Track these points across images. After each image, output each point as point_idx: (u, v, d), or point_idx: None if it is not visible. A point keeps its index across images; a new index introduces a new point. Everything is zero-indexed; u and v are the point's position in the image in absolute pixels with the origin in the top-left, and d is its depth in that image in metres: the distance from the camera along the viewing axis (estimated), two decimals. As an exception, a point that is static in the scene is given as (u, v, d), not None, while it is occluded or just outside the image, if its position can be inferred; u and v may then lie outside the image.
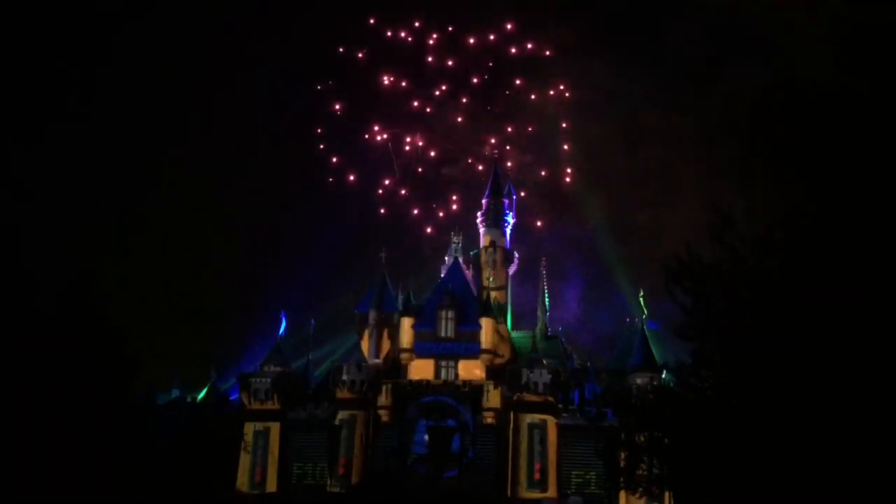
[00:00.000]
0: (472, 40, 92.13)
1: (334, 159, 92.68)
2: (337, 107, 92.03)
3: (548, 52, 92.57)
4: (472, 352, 62.90)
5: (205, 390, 72.38)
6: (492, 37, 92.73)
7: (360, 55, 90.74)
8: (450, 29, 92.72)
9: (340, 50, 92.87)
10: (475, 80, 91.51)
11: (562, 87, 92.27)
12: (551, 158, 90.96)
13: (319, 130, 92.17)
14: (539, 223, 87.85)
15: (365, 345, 68.41)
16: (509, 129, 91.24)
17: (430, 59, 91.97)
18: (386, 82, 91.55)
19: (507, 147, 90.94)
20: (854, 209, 17.07)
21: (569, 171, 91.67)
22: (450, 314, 63.84)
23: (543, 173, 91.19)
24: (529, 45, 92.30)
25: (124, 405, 40.25)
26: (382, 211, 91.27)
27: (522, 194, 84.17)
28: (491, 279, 69.60)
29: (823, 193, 17.98)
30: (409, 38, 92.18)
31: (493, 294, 67.06)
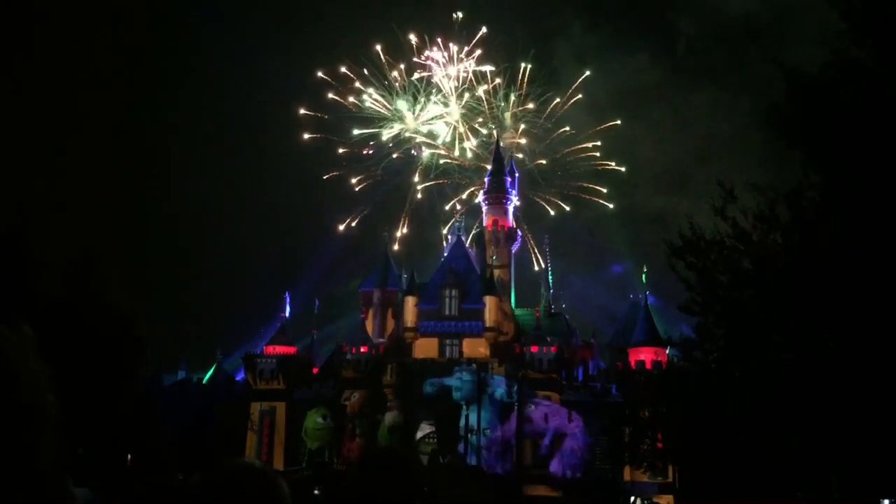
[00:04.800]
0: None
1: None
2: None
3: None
4: (477, 330, 63.01)
5: (211, 371, 72.81)
6: None
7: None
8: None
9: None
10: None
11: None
12: (566, 143, 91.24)
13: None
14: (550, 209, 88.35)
15: (369, 324, 68.68)
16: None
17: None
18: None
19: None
20: (858, 182, 17.04)
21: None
22: (453, 293, 63.91)
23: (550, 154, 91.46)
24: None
25: (131, 387, 40.46)
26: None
27: (536, 172, 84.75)
28: (494, 257, 69.65)
29: (827, 167, 17.96)
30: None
31: (496, 272, 67.11)
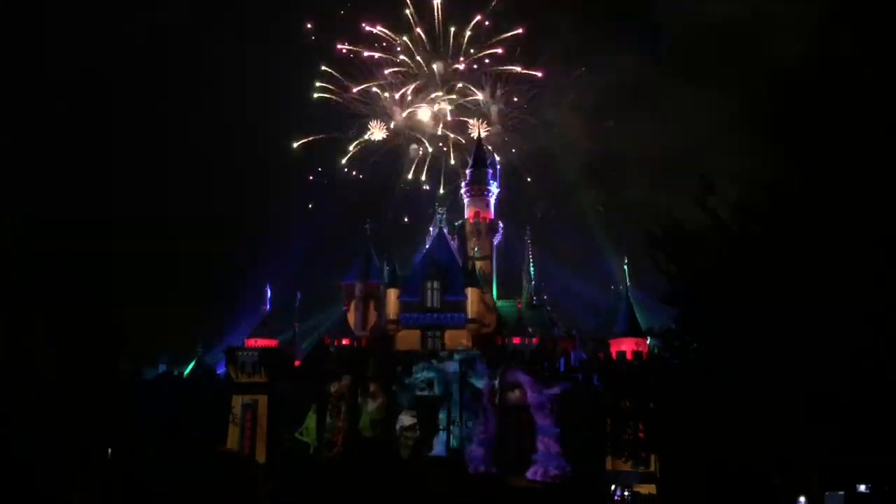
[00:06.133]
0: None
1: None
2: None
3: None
4: (459, 322, 63.13)
5: (191, 364, 72.43)
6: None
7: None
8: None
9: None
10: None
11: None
12: (546, 136, 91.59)
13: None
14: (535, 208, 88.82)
15: (351, 317, 68.54)
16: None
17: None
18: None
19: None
20: (835, 173, 17.20)
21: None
22: (435, 285, 63.99)
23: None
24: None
25: (111, 380, 40.25)
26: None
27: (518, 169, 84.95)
28: (476, 249, 69.71)
29: (805, 159, 18.10)
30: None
31: (478, 264, 67.22)
